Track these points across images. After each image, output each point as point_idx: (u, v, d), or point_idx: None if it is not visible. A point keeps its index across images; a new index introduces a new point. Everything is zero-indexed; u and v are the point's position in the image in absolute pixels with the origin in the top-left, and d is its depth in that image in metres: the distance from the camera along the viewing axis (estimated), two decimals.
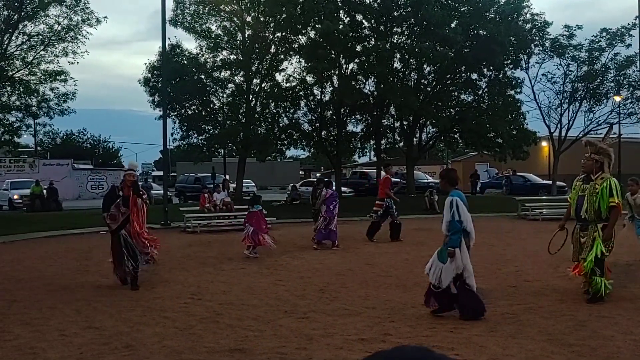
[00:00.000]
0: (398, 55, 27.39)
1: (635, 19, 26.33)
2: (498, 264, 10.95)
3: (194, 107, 28.16)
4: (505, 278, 9.49)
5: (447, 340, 5.98)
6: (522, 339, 5.98)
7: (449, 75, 27.85)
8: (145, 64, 28.04)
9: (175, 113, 27.86)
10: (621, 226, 9.89)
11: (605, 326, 6.43)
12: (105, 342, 6.10)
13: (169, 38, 28.57)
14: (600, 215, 7.54)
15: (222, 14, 27.84)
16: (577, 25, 28.92)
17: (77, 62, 25.86)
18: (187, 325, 6.74)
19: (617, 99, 29.44)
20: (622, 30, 28.27)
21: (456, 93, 28.78)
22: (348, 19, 27.34)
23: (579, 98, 29.66)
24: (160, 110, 24.43)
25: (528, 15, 28.03)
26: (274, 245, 12.23)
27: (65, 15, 24.90)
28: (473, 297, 6.79)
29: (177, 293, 8.54)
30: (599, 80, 29.17)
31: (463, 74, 27.97)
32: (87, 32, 25.32)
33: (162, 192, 23.11)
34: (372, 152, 38.53)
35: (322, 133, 29.14)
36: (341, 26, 25.79)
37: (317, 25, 25.86)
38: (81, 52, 25.49)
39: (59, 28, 24.93)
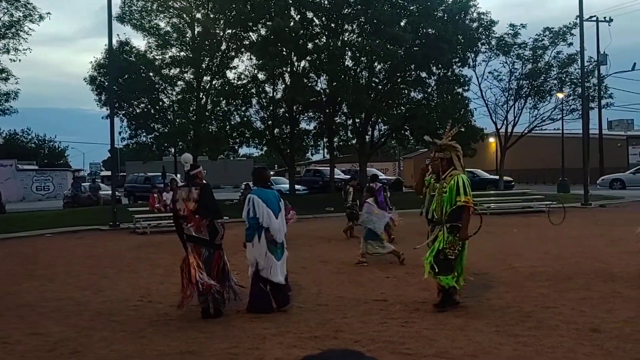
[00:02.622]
0: (349, 53, 27.54)
1: (576, 18, 27.25)
2: None
3: (142, 105, 27.58)
4: None
5: (398, 335, 6.06)
6: (470, 331, 6.12)
7: (399, 74, 28.19)
8: (91, 62, 27.33)
9: (124, 112, 27.22)
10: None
11: (549, 317, 6.65)
12: (50, 349, 5.92)
13: (117, 35, 27.99)
14: (448, 216, 6.97)
15: (170, 10, 27.37)
16: (521, 24, 29.78)
17: (19, 60, 25.03)
18: (136, 328, 6.60)
19: (560, 95, 30.47)
20: (564, 29, 29.25)
21: (406, 91, 29.15)
22: (299, 16, 27.31)
23: (524, 95, 30.53)
24: (107, 109, 23.85)
25: (475, 14, 28.65)
26: None
27: (6, 10, 24.05)
28: (259, 292, 7.10)
29: (127, 296, 8.35)
30: (542, 78, 30.09)
31: (413, 72, 28.36)
32: (30, 29, 24.53)
33: (110, 192, 22.56)
34: (325, 150, 38.67)
35: (275, 131, 29.04)
36: (292, 24, 25.74)
37: (267, 23, 25.74)
38: (23, 50, 24.68)
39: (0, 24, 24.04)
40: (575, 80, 29.45)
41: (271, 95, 28.69)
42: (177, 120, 27.29)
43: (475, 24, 28.72)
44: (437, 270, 6.90)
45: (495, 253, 11.57)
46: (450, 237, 6.95)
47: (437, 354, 5.45)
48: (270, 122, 28.72)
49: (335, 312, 7.10)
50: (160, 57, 27.69)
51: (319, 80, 28.10)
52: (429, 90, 28.82)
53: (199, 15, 27.49)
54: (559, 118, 31.64)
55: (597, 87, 30.86)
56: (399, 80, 28.61)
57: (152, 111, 27.50)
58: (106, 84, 25.18)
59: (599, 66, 31.35)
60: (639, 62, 36.03)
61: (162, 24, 27.75)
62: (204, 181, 7.34)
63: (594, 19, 33.43)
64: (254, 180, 7.62)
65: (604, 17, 34.11)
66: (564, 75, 30.04)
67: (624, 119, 52.05)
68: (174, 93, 28.18)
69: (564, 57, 29.61)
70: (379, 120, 29.12)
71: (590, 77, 30.44)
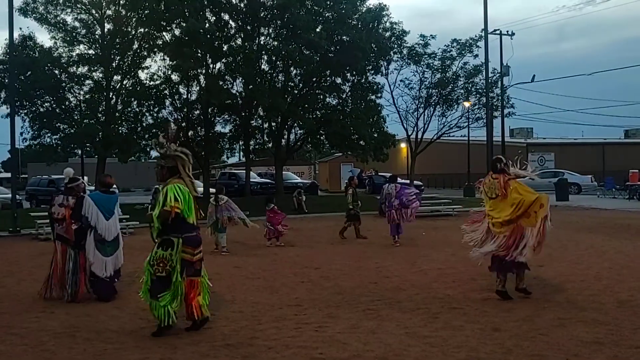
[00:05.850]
0: (265, 57, 27.51)
1: (482, 31, 28.70)
2: (360, 261, 11.42)
3: (47, 104, 26.19)
4: (366, 275, 9.92)
5: (312, 339, 6.13)
6: (381, 334, 6.29)
7: (315, 79, 28.46)
8: None
9: (26, 110, 25.75)
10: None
11: (455, 317, 6.96)
12: None
13: (19, 28, 26.48)
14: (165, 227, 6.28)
15: (78, 5, 26.19)
16: (431, 35, 30.95)
17: None
18: (38, 341, 6.25)
19: (467, 104, 31.96)
20: (470, 41, 30.70)
21: (322, 96, 29.48)
22: (214, 18, 26.97)
23: (433, 103, 31.73)
24: (7, 108, 22.48)
25: (387, 24, 29.43)
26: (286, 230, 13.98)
27: None
28: (101, 283, 8.14)
29: (27, 307, 7.89)
30: (450, 87, 31.41)
31: (328, 78, 28.72)
32: None
33: (10, 195, 21.25)
34: (241, 153, 38.32)
35: (189, 133, 28.44)
36: (207, 25, 25.36)
37: (182, 23, 25.19)
38: None
39: None
40: (480, 90, 30.98)
41: (185, 96, 28.11)
42: (85, 120, 26.12)
43: (387, 34, 29.53)
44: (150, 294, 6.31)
45: (405, 256, 11.96)
46: (160, 252, 6.28)
47: (349, 357, 5.56)
48: (184, 125, 28.10)
49: (250, 318, 7.07)
50: (66, 53, 26.42)
51: (234, 83, 27.85)
52: (344, 96, 29.31)
53: (109, 12, 26.48)
54: (466, 126, 33.24)
55: (500, 97, 32.60)
56: (314, 85, 28.88)
57: (57, 110, 26.17)
58: (6, 80, 23.72)
59: (502, 77, 33.11)
60: (538, 74, 38.39)
61: (69, 19, 26.50)
62: (81, 194, 8.34)
63: (498, 32, 35.24)
64: (99, 185, 8.77)
65: (507, 31, 35.99)
66: (470, 85, 31.51)
67: (524, 127, 55.27)
68: (82, 92, 26.98)
69: (470, 67, 31.07)
70: (295, 124, 29.26)
71: (494, 87, 32.11)
